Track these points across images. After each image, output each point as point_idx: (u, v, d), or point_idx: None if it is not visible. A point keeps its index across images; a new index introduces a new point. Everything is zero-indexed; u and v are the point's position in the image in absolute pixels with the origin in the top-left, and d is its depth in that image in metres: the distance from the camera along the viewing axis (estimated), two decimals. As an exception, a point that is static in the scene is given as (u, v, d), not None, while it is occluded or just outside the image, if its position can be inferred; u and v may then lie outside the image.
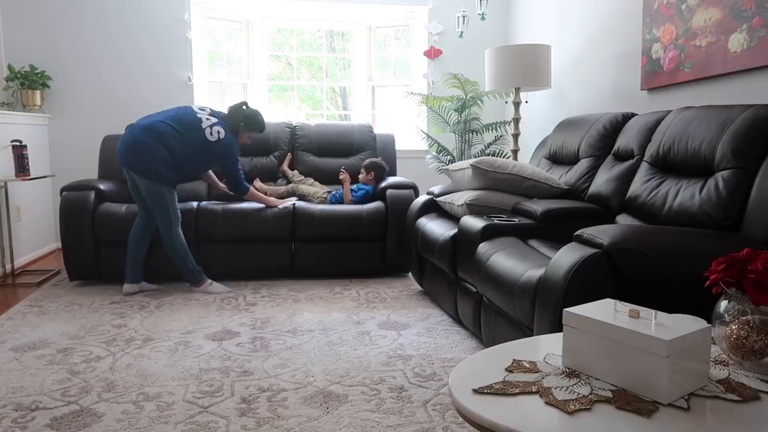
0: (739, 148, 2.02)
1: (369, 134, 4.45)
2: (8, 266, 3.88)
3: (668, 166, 2.36)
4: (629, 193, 2.50)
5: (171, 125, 3.36)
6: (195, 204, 3.75)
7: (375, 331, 2.74)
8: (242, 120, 3.55)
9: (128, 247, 3.45)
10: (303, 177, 4.23)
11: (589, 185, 2.85)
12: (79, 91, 4.77)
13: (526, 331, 1.99)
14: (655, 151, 2.43)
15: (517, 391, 1.12)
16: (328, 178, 4.23)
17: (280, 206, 3.76)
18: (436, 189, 3.44)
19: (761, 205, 1.88)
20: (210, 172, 3.78)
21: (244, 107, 3.60)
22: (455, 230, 2.76)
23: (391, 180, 4.08)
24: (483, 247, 2.40)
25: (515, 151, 4.12)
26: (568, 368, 1.21)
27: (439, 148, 4.80)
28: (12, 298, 3.37)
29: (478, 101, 4.71)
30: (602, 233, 1.75)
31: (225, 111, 3.59)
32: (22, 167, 3.81)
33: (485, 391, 1.12)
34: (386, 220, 3.80)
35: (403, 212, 3.74)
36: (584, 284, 1.68)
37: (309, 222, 3.74)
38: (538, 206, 2.62)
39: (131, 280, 3.44)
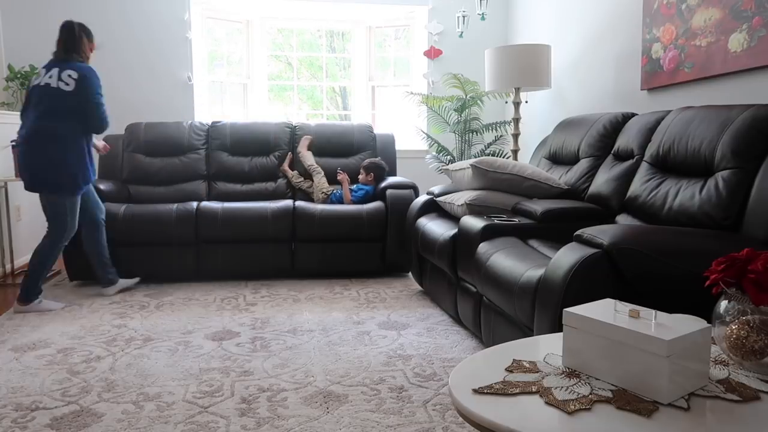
0: (739, 148, 2.02)
1: (369, 134, 4.46)
2: (8, 266, 3.88)
3: (668, 166, 2.36)
4: (629, 193, 2.50)
5: (37, 115, 3.06)
6: (195, 204, 3.75)
7: (375, 331, 2.74)
8: (85, 36, 3.29)
9: (88, 256, 3.36)
10: (315, 165, 4.21)
11: (589, 185, 2.85)
12: (79, 91, 4.76)
13: (526, 331, 1.99)
14: (655, 151, 2.43)
15: (517, 391, 1.12)
16: (328, 178, 4.23)
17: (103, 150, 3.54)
18: (436, 189, 3.44)
19: (761, 205, 1.88)
20: None
21: (73, 26, 3.28)
22: (455, 230, 2.76)
23: (391, 180, 4.08)
24: (483, 247, 2.40)
25: (515, 151, 4.12)
26: (568, 368, 1.21)
27: (439, 148, 4.80)
28: (12, 298, 3.36)
29: (478, 101, 4.71)
30: (602, 233, 1.75)
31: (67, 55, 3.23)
32: (21, 167, 3.79)
33: (485, 391, 1.12)
34: (386, 220, 3.81)
35: (403, 212, 3.74)
36: (584, 284, 1.68)
37: (309, 222, 3.74)
38: (538, 206, 2.62)
39: (106, 283, 3.40)
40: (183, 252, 3.68)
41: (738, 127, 2.06)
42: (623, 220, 2.49)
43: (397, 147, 4.81)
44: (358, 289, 3.54)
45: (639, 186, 2.44)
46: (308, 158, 4.24)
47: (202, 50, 5.06)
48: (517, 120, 4.08)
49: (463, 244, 2.61)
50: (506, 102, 5.02)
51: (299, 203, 3.85)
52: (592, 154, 2.96)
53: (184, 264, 3.69)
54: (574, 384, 1.14)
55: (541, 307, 1.80)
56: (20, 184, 4.19)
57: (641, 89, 3.23)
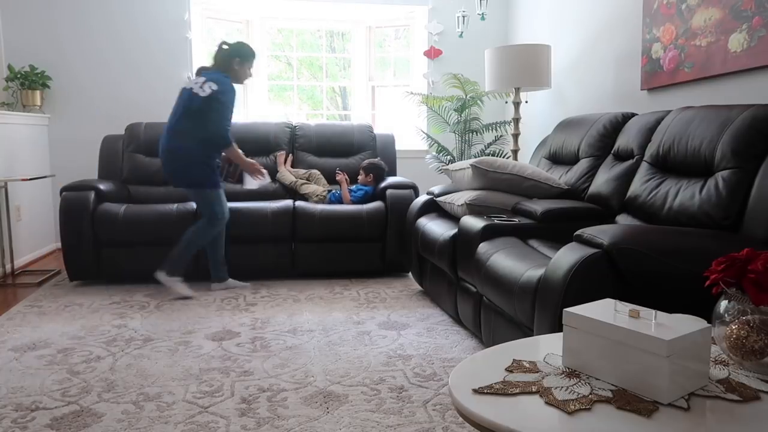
0: (739, 147, 2.02)
1: (369, 134, 4.45)
2: (8, 266, 3.88)
3: (668, 166, 2.36)
4: (629, 193, 2.50)
5: (183, 114, 3.31)
6: (195, 204, 3.75)
7: (375, 331, 2.74)
8: (235, 56, 3.41)
9: (207, 249, 3.48)
10: (308, 171, 4.21)
11: (589, 185, 2.85)
12: (79, 91, 4.77)
13: (526, 331, 1.99)
14: (655, 151, 2.43)
15: (517, 391, 1.12)
16: (328, 178, 4.23)
17: (255, 179, 3.54)
18: (436, 189, 3.44)
19: (761, 205, 1.88)
20: (235, 146, 3.43)
21: (225, 46, 3.45)
22: (455, 230, 2.76)
23: (391, 180, 4.08)
24: (483, 247, 2.40)
25: (515, 151, 4.12)
26: (568, 368, 1.21)
27: (439, 148, 4.80)
28: (12, 298, 3.37)
29: (478, 101, 4.71)
30: (602, 233, 1.75)
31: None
32: None
33: (485, 391, 1.12)
34: (386, 220, 3.81)
35: (403, 212, 3.74)
36: (584, 284, 1.68)
37: (309, 222, 3.74)
38: (538, 206, 2.62)
39: (217, 278, 3.51)
40: (183, 252, 3.67)
41: (738, 127, 2.06)
42: (623, 220, 2.49)
43: (397, 147, 4.81)
44: (358, 289, 3.54)
45: (639, 186, 2.44)
46: (287, 176, 4.17)
47: (202, 50, 5.05)
48: (517, 120, 4.08)
49: (463, 244, 2.61)
50: (506, 102, 5.02)
51: (299, 203, 3.85)
52: (592, 154, 2.96)
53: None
54: (574, 384, 1.14)
55: (541, 307, 1.80)
56: (20, 184, 4.21)
57: (641, 89, 3.23)
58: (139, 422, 1.85)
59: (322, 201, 4.02)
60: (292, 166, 4.29)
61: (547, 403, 1.07)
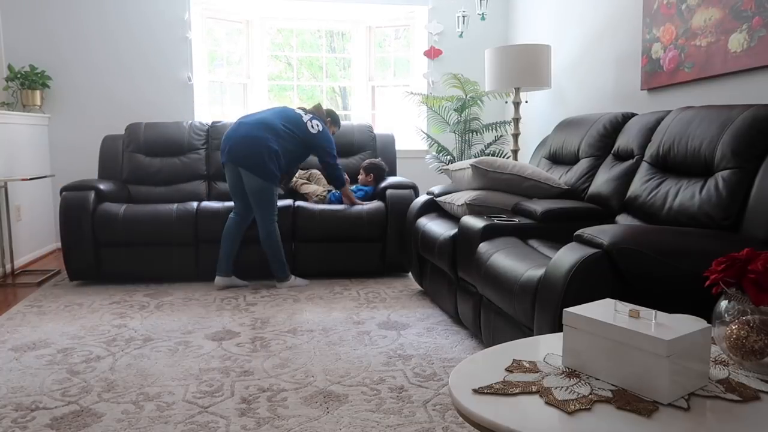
0: (739, 148, 2.02)
1: (369, 134, 4.45)
2: (8, 266, 3.88)
3: (668, 166, 2.36)
4: (629, 193, 2.50)
5: (278, 119, 3.53)
6: (195, 204, 3.75)
7: (375, 331, 2.74)
8: (328, 116, 3.83)
9: (222, 241, 3.57)
10: (308, 171, 4.21)
11: (589, 185, 2.85)
12: (79, 91, 4.77)
13: (526, 331, 1.99)
14: (655, 151, 2.43)
15: (517, 391, 1.12)
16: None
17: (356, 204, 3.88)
18: (436, 189, 3.44)
19: (761, 205, 1.88)
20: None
21: (323, 107, 3.83)
22: (455, 230, 2.76)
23: (391, 180, 4.08)
24: (483, 247, 2.40)
25: (515, 151, 4.12)
26: (568, 368, 1.21)
27: (439, 148, 4.80)
28: (12, 298, 3.37)
29: (478, 101, 4.71)
30: (602, 233, 1.75)
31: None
32: None
33: (485, 391, 1.12)
34: (386, 220, 3.81)
35: (403, 212, 3.74)
36: (584, 284, 1.68)
37: (309, 222, 3.74)
38: (538, 206, 2.62)
39: (223, 272, 3.55)
40: (183, 252, 3.68)
41: (738, 127, 2.06)
42: (623, 220, 2.49)
43: (397, 147, 4.81)
44: (358, 289, 3.54)
45: (639, 186, 2.44)
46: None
47: (202, 50, 5.06)
48: (517, 120, 4.08)
49: (463, 244, 2.61)
50: (506, 102, 5.02)
51: (299, 203, 3.85)
52: (592, 154, 2.96)
53: (184, 264, 3.69)
54: (574, 384, 1.14)
55: (541, 307, 1.80)
56: (20, 184, 4.21)
57: (641, 89, 3.23)
58: (139, 422, 1.85)
59: (322, 201, 4.01)
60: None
61: (547, 403, 1.07)
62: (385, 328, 2.79)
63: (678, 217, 2.15)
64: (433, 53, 5.20)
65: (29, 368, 2.31)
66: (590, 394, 1.10)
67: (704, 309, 1.34)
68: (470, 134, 4.76)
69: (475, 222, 2.58)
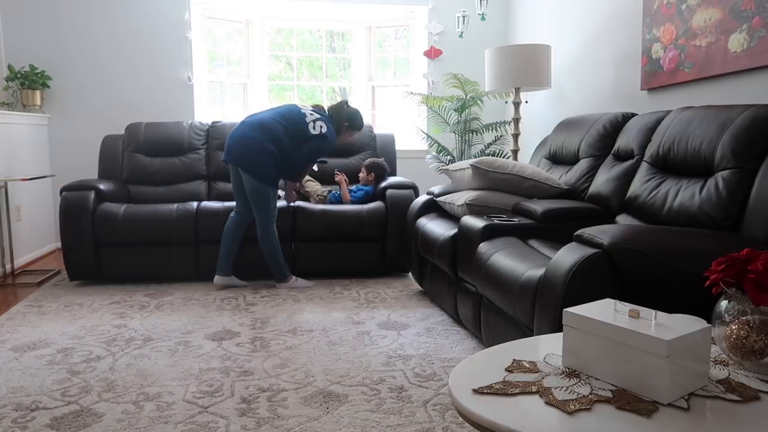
0: (739, 148, 2.02)
1: (369, 134, 4.45)
2: (8, 266, 3.88)
3: (668, 166, 2.36)
4: (629, 193, 2.50)
5: (277, 120, 3.46)
6: (195, 204, 3.75)
7: (375, 331, 2.74)
8: (346, 119, 3.66)
9: (222, 241, 3.55)
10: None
11: (589, 185, 2.85)
12: (79, 91, 4.77)
13: (526, 331, 1.99)
14: (655, 151, 2.43)
15: (517, 391, 1.12)
16: (328, 178, 4.23)
17: (291, 203, 3.81)
18: (436, 189, 3.44)
19: (761, 205, 1.88)
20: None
21: (346, 106, 3.68)
22: (455, 230, 2.76)
23: (391, 180, 4.08)
24: (483, 247, 2.40)
25: (515, 151, 4.12)
26: (568, 368, 1.21)
27: (439, 148, 4.80)
28: (12, 298, 3.37)
29: (478, 101, 4.71)
30: (602, 233, 1.75)
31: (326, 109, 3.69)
32: None
33: (485, 391, 1.12)
34: (386, 220, 3.81)
35: (403, 212, 3.74)
36: (584, 284, 1.68)
37: (309, 222, 3.74)
38: (538, 206, 2.62)
39: (222, 272, 3.55)
40: (183, 252, 3.68)
41: (738, 127, 2.06)
42: (623, 220, 2.49)
43: (397, 147, 4.81)
44: (358, 289, 3.54)
45: (639, 186, 2.44)
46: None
47: (202, 50, 5.06)
48: (517, 120, 4.08)
49: (463, 244, 2.61)
50: (506, 102, 5.02)
51: (299, 203, 3.85)
52: (592, 154, 2.96)
53: (184, 264, 3.69)
54: (574, 384, 1.14)
55: (541, 307, 1.80)
56: (20, 184, 4.21)
57: (641, 89, 3.23)
58: (139, 422, 1.85)
59: (322, 201, 4.01)
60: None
61: (547, 403, 1.07)
62: (385, 328, 2.79)
63: (678, 217, 2.15)
64: (433, 53, 5.20)
65: (29, 368, 2.31)
66: (590, 394, 1.10)
67: (704, 309, 1.34)
68: (470, 134, 4.76)
69: (475, 222, 2.58)
